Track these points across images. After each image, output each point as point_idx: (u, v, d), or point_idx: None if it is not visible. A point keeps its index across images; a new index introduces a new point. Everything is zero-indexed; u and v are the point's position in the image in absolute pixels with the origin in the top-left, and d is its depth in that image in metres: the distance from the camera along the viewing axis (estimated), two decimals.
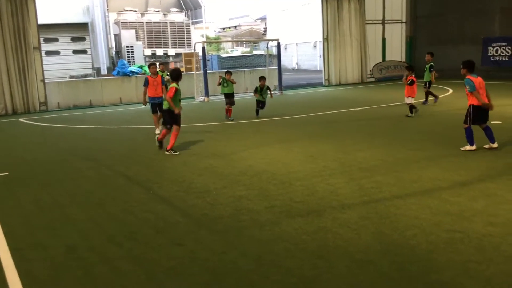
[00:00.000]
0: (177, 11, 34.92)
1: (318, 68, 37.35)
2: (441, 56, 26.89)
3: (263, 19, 63.70)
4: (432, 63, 16.04)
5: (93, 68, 26.43)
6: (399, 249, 4.54)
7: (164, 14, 33.66)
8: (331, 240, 4.83)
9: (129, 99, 21.09)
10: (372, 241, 4.76)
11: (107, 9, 28.69)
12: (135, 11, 32.53)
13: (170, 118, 9.58)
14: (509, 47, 23.50)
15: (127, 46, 27.53)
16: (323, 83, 26.53)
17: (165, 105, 9.74)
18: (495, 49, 24.22)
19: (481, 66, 24.83)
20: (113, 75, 21.94)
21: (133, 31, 30.24)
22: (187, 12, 36.40)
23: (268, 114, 14.82)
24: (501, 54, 23.96)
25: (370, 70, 27.84)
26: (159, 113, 11.52)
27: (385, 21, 28.68)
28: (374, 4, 27.86)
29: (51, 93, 19.73)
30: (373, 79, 27.51)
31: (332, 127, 11.63)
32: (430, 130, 10.91)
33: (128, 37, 29.50)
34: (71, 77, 22.83)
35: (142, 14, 32.81)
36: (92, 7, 27.17)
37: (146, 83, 11.95)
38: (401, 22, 29.20)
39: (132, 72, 21.63)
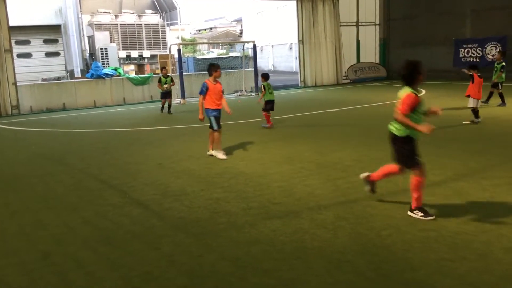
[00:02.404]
0: (152, 13, 34.62)
1: (294, 70, 37.54)
2: (414, 58, 27.37)
3: (239, 21, 63.75)
4: (503, 63, 14.81)
5: (66, 71, 25.99)
6: (375, 248, 4.59)
7: (139, 16, 33.32)
8: (308, 241, 4.85)
9: (103, 101, 20.82)
10: (349, 241, 4.80)
11: (80, 11, 28.21)
12: (109, 12, 32.11)
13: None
14: (480, 49, 24.09)
15: (101, 48, 27.13)
16: (299, 84, 26.71)
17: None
18: (466, 50, 24.79)
19: (453, 67, 25.41)
20: (87, 78, 21.62)
21: (107, 33, 29.84)
22: (162, 13, 36.11)
23: (245, 116, 14.82)
24: (472, 55, 24.53)
25: (345, 72, 28.16)
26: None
27: (359, 23, 29.07)
28: (348, 7, 28.20)
29: (23, 96, 19.32)
30: (348, 81, 27.83)
31: (308, 128, 11.70)
32: None
33: (102, 39, 29.09)
34: (43, 79, 22.42)
35: (116, 16, 32.41)
36: (65, 8, 26.72)
37: (205, 90, 8.93)
38: (375, 24, 29.63)
39: (107, 74, 21.35)
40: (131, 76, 22.84)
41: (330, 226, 5.22)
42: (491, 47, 23.54)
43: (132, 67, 29.49)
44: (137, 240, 5.13)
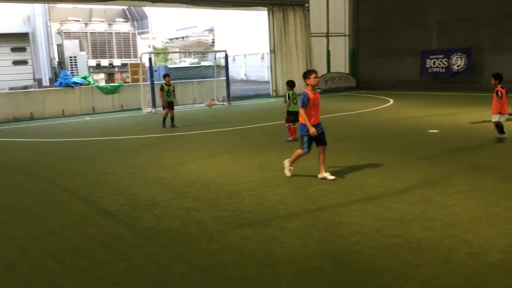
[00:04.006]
0: (122, 21, 34.36)
1: (266, 79, 37.81)
2: (383, 68, 28.03)
3: (211, 30, 63.83)
4: None
5: (34, 79, 25.44)
6: (343, 255, 4.67)
7: (109, 24, 33.03)
8: (278, 248, 4.89)
9: (72, 111, 20.48)
10: (317, 248, 4.87)
11: (49, 19, 27.76)
12: (78, 21, 31.71)
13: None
14: (446, 59, 24.80)
15: (70, 57, 26.72)
16: (271, 93, 26.89)
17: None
18: (432, 61, 25.49)
19: (420, 77, 26.09)
20: (56, 86, 21.24)
21: (77, 41, 29.44)
22: (133, 22, 35.88)
23: (217, 125, 14.83)
24: (438, 66, 25.24)
25: None
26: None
27: (329, 34, 29.54)
28: (319, 18, 28.66)
29: None
30: (319, 90, 28.14)
31: (279, 137, 11.78)
32: (374, 139, 11.27)
33: (71, 47, 28.67)
34: (10, 88, 21.88)
35: (86, 24, 32.02)
36: (33, 16, 26.23)
37: (306, 102, 7.37)
38: (344, 35, 30.17)
39: (76, 83, 21.03)
40: (101, 84, 22.55)
41: (300, 233, 5.28)
42: (456, 57, 24.27)
43: (102, 75, 29.13)
44: (105, 250, 5.07)
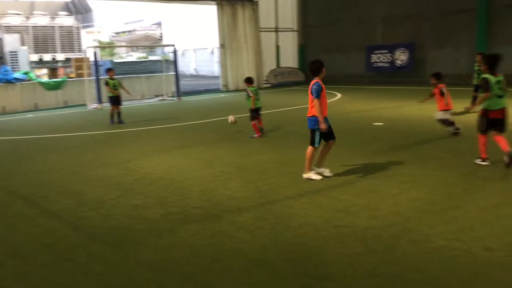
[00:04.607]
0: (66, 15, 33.15)
1: (216, 74, 37.60)
2: (330, 63, 28.56)
3: (159, 24, 62.69)
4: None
5: None
6: (292, 246, 4.74)
7: (52, 18, 31.77)
8: (227, 243, 4.89)
9: (13, 108, 19.58)
10: (267, 241, 4.91)
11: None
12: (19, 14, 30.30)
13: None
14: (390, 54, 25.60)
15: (11, 51, 25.50)
16: (221, 88, 26.82)
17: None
18: (377, 56, 26.25)
19: (366, 72, 26.81)
20: None
21: (17, 35, 28.11)
22: (77, 15, 34.69)
23: (166, 121, 14.63)
24: (383, 60, 26.02)
25: (266, 76, 28.69)
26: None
27: (278, 29, 29.76)
28: (267, 13, 28.81)
29: None
30: (269, 85, 28.37)
31: (229, 132, 11.77)
32: None
33: (11, 41, 27.34)
34: None
35: (28, 18, 30.65)
36: None
37: (320, 91, 6.96)
38: (293, 31, 30.50)
39: (16, 79, 20.10)
40: (43, 80, 21.68)
41: (250, 227, 5.31)
42: (400, 53, 25.10)
43: (44, 71, 28.00)
44: (49, 251, 4.90)
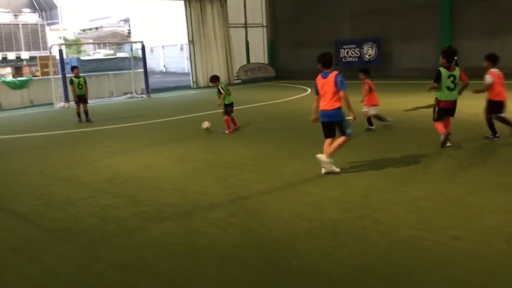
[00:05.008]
0: (30, 12, 32.28)
1: (186, 71, 37.35)
2: (300, 58, 28.73)
3: (127, 20, 61.75)
4: None
5: None
6: (264, 241, 4.76)
7: (15, 15, 30.89)
8: (200, 240, 4.88)
9: None
10: (239, 236, 4.92)
11: None
12: None
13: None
14: (358, 49, 25.94)
15: None
16: (192, 85, 26.66)
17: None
18: (346, 51, 26.55)
19: (335, 66, 27.04)
20: None
21: None
22: (41, 12, 33.81)
23: (136, 119, 14.44)
24: (351, 55, 26.35)
25: (236, 72, 28.65)
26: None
27: (247, 25, 29.74)
28: (236, 8, 28.75)
29: None
30: (239, 81, 28.35)
31: (200, 129, 11.71)
32: (292, 127, 11.54)
33: None
34: None
35: None
36: None
37: (344, 80, 6.95)
38: (262, 26, 30.53)
39: None
40: (7, 79, 21.08)
41: (222, 223, 5.31)
42: (368, 47, 25.46)
43: (9, 69, 27.26)
44: (16, 254, 4.78)
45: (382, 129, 10.58)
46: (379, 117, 10.60)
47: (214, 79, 11.37)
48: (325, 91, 7.01)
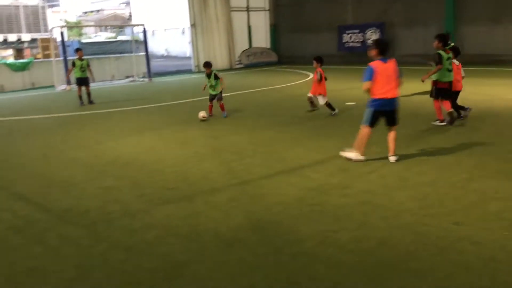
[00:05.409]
0: None
1: (188, 55, 37.11)
2: (302, 43, 28.56)
3: (128, 3, 61.23)
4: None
5: None
6: (266, 225, 4.79)
7: None
8: (202, 223, 4.91)
9: None
10: (241, 220, 4.94)
11: None
12: None
13: None
14: (361, 34, 25.75)
15: None
16: (193, 69, 26.53)
17: None
18: (349, 36, 26.37)
19: (338, 52, 26.92)
20: None
21: None
22: None
23: (137, 102, 14.43)
24: (354, 40, 26.17)
25: (238, 57, 28.50)
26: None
27: (250, 9, 29.48)
28: None
29: None
30: (241, 65, 28.21)
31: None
32: (294, 113, 11.51)
33: None
34: None
35: None
36: None
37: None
38: (265, 10, 30.27)
39: None
40: (9, 61, 21.01)
41: (224, 207, 5.33)
42: (371, 32, 25.27)
43: (10, 51, 27.15)
44: (19, 235, 4.82)
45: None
46: (328, 105, 10.67)
47: (208, 65, 11.43)
48: (388, 76, 6.54)
